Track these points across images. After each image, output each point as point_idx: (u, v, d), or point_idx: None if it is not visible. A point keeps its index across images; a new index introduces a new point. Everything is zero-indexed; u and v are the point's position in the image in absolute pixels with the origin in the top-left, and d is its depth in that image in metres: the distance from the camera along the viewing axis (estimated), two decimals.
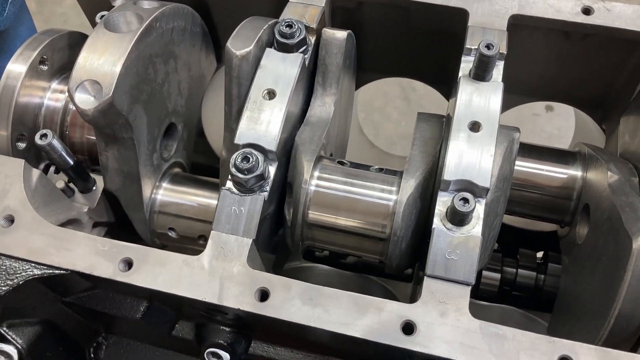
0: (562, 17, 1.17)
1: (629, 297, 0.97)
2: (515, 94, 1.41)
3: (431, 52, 1.34)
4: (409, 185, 1.04)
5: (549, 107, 3.89)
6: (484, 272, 1.44)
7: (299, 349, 1.06)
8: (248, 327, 1.05)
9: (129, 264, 0.98)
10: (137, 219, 1.29)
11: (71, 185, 1.25)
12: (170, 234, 1.31)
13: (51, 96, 1.28)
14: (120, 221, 1.32)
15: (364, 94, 3.45)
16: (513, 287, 1.45)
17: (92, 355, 1.22)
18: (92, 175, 1.28)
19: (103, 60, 1.07)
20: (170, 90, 1.28)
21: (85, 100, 1.05)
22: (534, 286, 1.43)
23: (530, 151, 1.28)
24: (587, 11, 1.16)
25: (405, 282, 1.51)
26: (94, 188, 1.27)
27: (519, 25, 1.19)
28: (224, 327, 1.05)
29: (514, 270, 1.45)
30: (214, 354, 1.04)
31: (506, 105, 1.44)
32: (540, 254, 1.53)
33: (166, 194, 1.30)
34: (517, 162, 1.14)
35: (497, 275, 1.45)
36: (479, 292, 1.45)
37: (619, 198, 1.06)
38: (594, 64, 1.27)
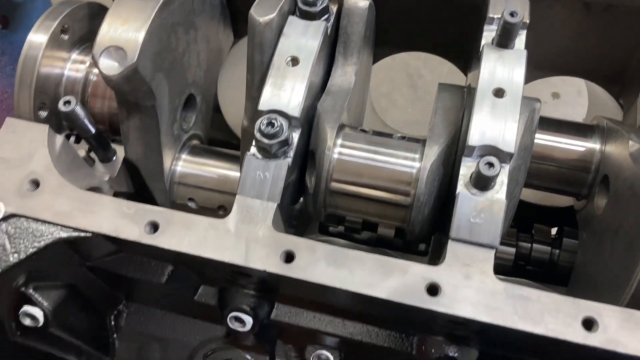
0: None
1: None
2: (533, 68, 1.40)
3: (451, 25, 1.34)
4: (433, 151, 1.05)
5: (556, 94, 3.89)
6: (499, 247, 1.45)
7: (322, 312, 1.06)
8: (271, 291, 1.05)
9: (154, 226, 0.98)
10: (158, 189, 1.30)
11: (91, 155, 1.26)
12: (190, 204, 1.31)
13: (72, 67, 1.29)
14: (140, 191, 1.33)
15: (371, 80, 3.45)
16: (528, 262, 1.46)
17: (113, 322, 1.23)
18: (113, 145, 1.29)
19: (127, 27, 1.08)
20: (191, 61, 1.28)
21: (110, 66, 1.06)
22: (549, 261, 1.43)
23: (549, 124, 1.29)
24: None
25: (420, 256, 1.52)
26: (114, 158, 1.28)
27: None
28: (247, 291, 1.06)
29: (529, 245, 1.45)
30: (237, 319, 1.05)
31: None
32: (554, 230, 1.53)
33: (186, 165, 1.30)
34: (536, 135, 1.15)
35: (512, 250, 1.45)
36: (494, 266, 1.45)
37: None
38: (614, 37, 1.27)
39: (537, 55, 1.35)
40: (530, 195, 1.52)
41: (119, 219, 0.99)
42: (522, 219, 1.53)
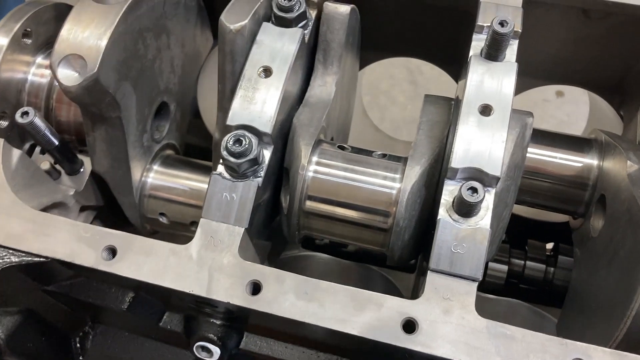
0: None
1: None
2: (528, 76, 1.33)
3: (440, 31, 1.26)
4: (414, 172, 0.97)
5: (560, 92, 3.80)
6: (490, 264, 1.37)
7: (294, 344, 0.99)
8: (240, 320, 0.99)
9: (112, 252, 0.91)
10: (127, 203, 1.23)
11: (57, 167, 1.19)
12: (161, 219, 1.24)
13: (36, 71, 1.21)
14: (110, 205, 1.26)
15: (369, 76, 3.36)
16: (521, 280, 1.38)
17: (78, 344, 1.16)
18: (81, 156, 1.21)
19: (88, 33, 1.00)
20: (162, 68, 1.20)
21: (69, 77, 0.98)
22: (543, 279, 1.36)
23: (543, 137, 1.21)
24: None
25: (408, 272, 1.45)
26: (82, 170, 1.21)
27: (535, 2, 1.11)
28: (215, 320, 0.99)
29: (522, 262, 1.38)
30: (204, 348, 0.98)
31: (518, 89, 1.36)
32: (550, 246, 1.46)
33: (157, 177, 1.23)
34: (529, 149, 1.07)
35: (504, 267, 1.38)
36: (484, 284, 1.38)
37: None
38: (614, 46, 1.19)
39: (533, 63, 1.27)
40: (524, 209, 1.44)
41: (75, 243, 0.92)
42: (516, 234, 1.46)
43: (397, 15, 1.26)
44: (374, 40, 1.32)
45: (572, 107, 3.74)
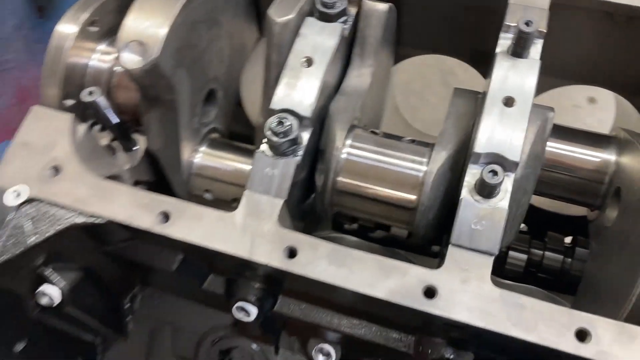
0: None
1: None
2: (554, 76, 1.40)
3: (471, 29, 1.35)
4: (440, 156, 1.06)
5: (592, 99, 3.83)
6: (510, 253, 1.45)
7: (324, 307, 1.09)
8: (276, 284, 1.09)
9: (166, 216, 1.03)
10: (176, 180, 1.34)
11: (114, 144, 1.31)
12: (206, 196, 1.35)
13: (99, 58, 1.33)
14: (160, 181, 1.37)
15: (402, 76, 3.44)
16: (539, 269, 1.45)
17: (128, 304, 1.28)
18: (136, 135, 1.33)
19: (149, 22, 1.12)
20: (212, 57, 1.32)
21: (132, 60, 1.10)
22: (560, 269, 1.43)
23: (565, 133, 1.28)
24: None
25: (432, 258, 1.53)
26: (137, 147, 1.33)
27: (562, 5, 1.19)
28: (253, 283, 1.09)
29: (541, 252, 1.45)
30: (242, 309, 1.08)
31: (545, 87, 1.44)
32: (568, 239, 1.52)
33: (204, 158, 1.34)
34: (550, 143, 1.15)
35: (524, 257, 1.45)
36: (504, 271, 1.45)
37: None
38: (637, 48, 1.26)
39: (559, 63, 1.35)
40: (545, 202, 1.51)
41: (133, 208, 1.04)
42: (536, 226, 1.53)
43: (431, 14, 1.35)
44: (409, 37, 1.41)
45: (603, 114, 3.78)
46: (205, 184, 1.35)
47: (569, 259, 1.42)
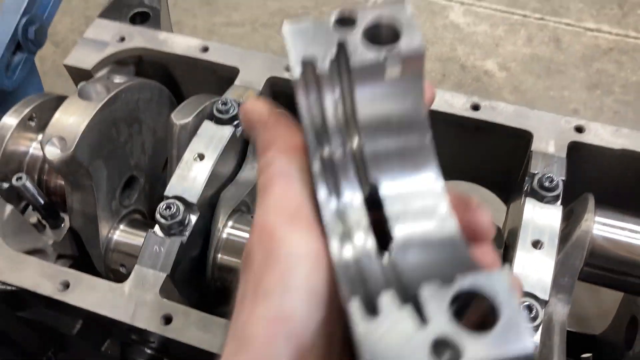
0: (455, 111, 1.40)
1: None
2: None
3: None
4: None
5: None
6: None
7: None
8: (162, 348, 1.25)
9: (66, 285, 1.20)
10: (95, 255, 1.52)
11: (43, 222, 1.50)
12: (121, 269, 1.53)
13: (35, 146, 1.55)
14: (83, 255, 1.55)
15: None
16: None
17: None
18: (64, 214, 1.53)
19: (72, 120, 1.34)
20: (133, 149, 1.53)
21: (52, 152, 1.31)
22: None
23: None
24: (475, 107, 1.39)
25: None
26: (63, 225, 1.52)
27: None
28: (143, 347, 1.26)
29: None
30: None
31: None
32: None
33: (120, 235, 1.53)
34: None
35: None
36: None
37: None
38: (490, 152, 1.48)
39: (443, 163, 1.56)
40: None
41: (39, 277, 1.21)
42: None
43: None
44: None
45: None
46: (120, 259, 1.52)
47: None
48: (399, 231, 0.54)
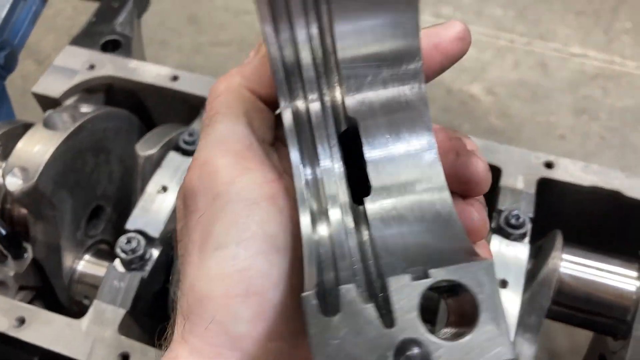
0: None
1: None
2: None
3: None
4: None
5: None
6: None
7: None
8: None
9: (22, 321, 1.17)
10: (58, 286, 1.49)
11: (5, 252, 1.47)
12: (85, 301, 1.49)
13: None
14: (46, 286, 1.52)
15: None
16: None
17: None
18: (28, 244, 1.49)
19: (35, 150, 1.31)
20: (100, 178, 1.51)
21: (14, 183, 1.28)
22: None
23: None
24: None
25: None
26: (26, 256, 1.48)
27: None
28: None
29: None
30: None
31: None
32: None
33: (85, 266, 1.50)
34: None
35: None
36: None
37: None
38: None
39: None
40: None
41: None
42: None
43: None
44: None
45: None
46: (84, 290, 1.49)
47: None
48: (381, 204, 0.44)
